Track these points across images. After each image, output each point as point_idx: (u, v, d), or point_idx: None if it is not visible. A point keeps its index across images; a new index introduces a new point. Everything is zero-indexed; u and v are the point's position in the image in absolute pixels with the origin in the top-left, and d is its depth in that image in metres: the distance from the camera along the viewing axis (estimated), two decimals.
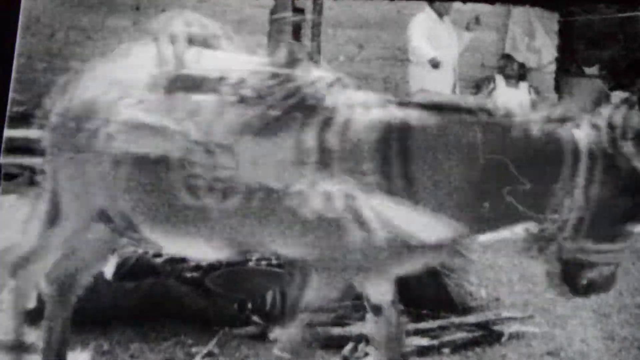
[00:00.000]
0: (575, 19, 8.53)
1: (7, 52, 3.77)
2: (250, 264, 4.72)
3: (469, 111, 2.82)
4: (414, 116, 2.83)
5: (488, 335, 4.11)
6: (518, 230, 2.97)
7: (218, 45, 3.17)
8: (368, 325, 3.26)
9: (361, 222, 2.78)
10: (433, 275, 4.46)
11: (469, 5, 6.57)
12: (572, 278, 2.91)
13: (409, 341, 4.01)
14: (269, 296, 4.16)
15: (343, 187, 2.71)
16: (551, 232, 2.81)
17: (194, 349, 3.85)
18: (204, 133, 2.79)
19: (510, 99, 6.06)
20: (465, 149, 2.80)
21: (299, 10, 8.15)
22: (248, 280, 4.41)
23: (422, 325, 4.15)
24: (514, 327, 4.17)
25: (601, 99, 5.73)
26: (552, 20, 8.95)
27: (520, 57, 8.88)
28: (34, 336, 3.73)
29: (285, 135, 2.79)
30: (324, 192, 2.72)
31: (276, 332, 3.95)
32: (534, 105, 2.93)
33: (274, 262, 4.68)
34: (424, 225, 2.79)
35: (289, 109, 2.80)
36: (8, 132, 3.63)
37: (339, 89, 2.90)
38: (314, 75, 2.91)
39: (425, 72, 6.51)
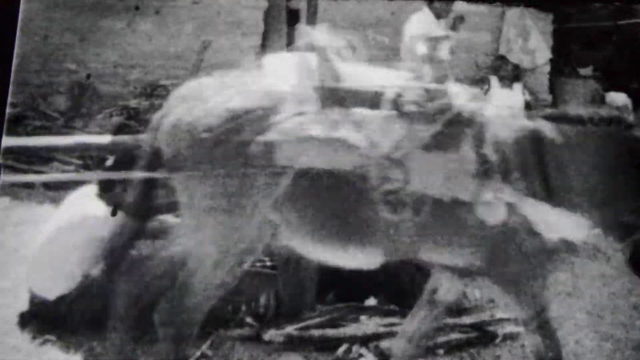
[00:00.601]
0: (569, 20, 8.55)
1: (6, 53, 3.77)
2: (244, 265, 4.73)
3: (606, 122, 2.98)
4: (549, 127, 3.01)
5: (482, 336, 4.11)
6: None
7: (347, 56, 3.19)
8: (410, 320, 3.35)
9: (529, 229, 2.92)
10: (427, 277, 4.46)
11: (457, 5, 6.56)
12: None
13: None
14: (262, 298, 4.16)
15: (505, 196, 2.86)
16: None
17: (187, 352, 3.84)
18: (372, 147, 2.85)
19: (504, 100, 6.06)
20: (603, 158, 2.98)
21: (294, 12, 8.16)
22: (241, 282, 4.40)
23: None
24: (508, 328, 4.18)
25: (595, 100, 5.74)
26: (547, 22, 8.96)
27: (514, 58, 8.89)
28: (22, 339, 3.74)
29: (449, 148, 2.89)
30: (489, 202, 2.85)
31: (270, 334, 3.95)
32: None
33: (268, 264, 4.69)
34: (572, 228, 2.95)
35: (447, 123, 2.92)
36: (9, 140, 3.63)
37: (481, 103, 3.03)
38: (456, 90, 3.03)
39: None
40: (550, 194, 2.93)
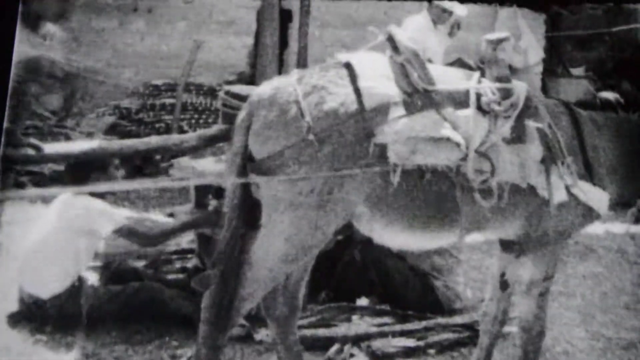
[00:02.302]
0: (562, 22, 8.56)
1: (5, 54, 3.76)
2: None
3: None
4: (583, 113, 3.50)
5: (474, 336, 4.10)
6: None
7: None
8: (490, 303, 3.62)
9: (582, 205, 3.37)
10: (419, 277, 4.47)
11: (457, 9, 6.56)
12: None
13: (394, 342, 4.02)
14: None
15: (565, 178, 3.27)
16: None
17: (179, 351, 3.84)
18: (467, 143, 3.17)
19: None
20: (624, 141, 3.53)
21: (286, 12, 8.16)
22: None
23: (408, 326, 4.15)
24: None
25: (587, 100, 5.74)
26: (539, 21, 8.98)
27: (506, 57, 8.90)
28: (13, 339, 3.73)
29: (521, 139, 3.25)
30: (553, 184, 3.25)
31: (261, 334, 3.95)
32: None
33: None
34: (600, 201, 3.40)
35: (517, 117, 3.26)
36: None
37: (534, 97, 3.39)
38: (519, 86, 3.33)
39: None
40: (591, 174, 3.38)
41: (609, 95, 3.75)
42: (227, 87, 4.09)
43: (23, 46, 3.60)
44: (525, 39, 8.55)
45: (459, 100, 3.22)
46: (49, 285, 3.95)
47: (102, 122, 6.44)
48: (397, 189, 3.11)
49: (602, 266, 4.92)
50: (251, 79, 7.74)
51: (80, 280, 4.00)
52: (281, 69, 8.12)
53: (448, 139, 3.13)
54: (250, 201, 3.19)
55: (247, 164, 3.15)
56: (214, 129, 3.89)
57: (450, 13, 6.49)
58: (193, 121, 7.29)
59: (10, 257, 3.96)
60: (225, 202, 3.26)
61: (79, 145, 3.73)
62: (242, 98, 3.90)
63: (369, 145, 3.07)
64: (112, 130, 6.45)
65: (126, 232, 4.03)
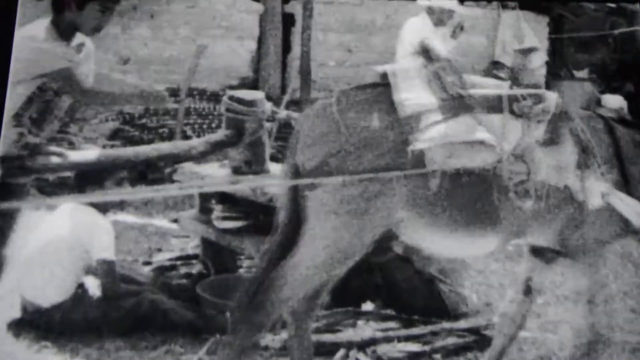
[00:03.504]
0: (564, 23, 8.56)
1: (4, 55, 3.75)
2: (241, 270, 4.72)
3: None
4: (626, 131, 3.55)
5: (479, 340, 4.10)
6: None
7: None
8: (510, 305, 3.65)
9: (619, 215, 3.39)
10: (425, 281, 4.46)
11: (457, 10, 6.56)
12: None
13: (400, 347, 4.01)
14: None
15: (600, 184, 3.33)
16: None
17: (183, 357, 3.83)
18: (501, 146, 3.28)
19: None
20: None
21: (289, 16, 8.16)
22: (238, 287, 4.39)
23: (414, 331, 4.14)
24: None
25: (591, 103, 5.74)
26: (542, 24, 8.98)
27: (509, 61, 8.90)
28: (18, 346, 3.72)
29: (556, 142, 3.35)
30: (589, 188, 3.32)
31: (267, 339, 3.94)
32: None
33: None
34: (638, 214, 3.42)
35: (550, 121, 3.35)
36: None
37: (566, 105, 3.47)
38: (550, 93, 3.43)
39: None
40: (627, 183, 3.43)
41: (615, 99, 3.77)
42: (230, 92, 4.09)
43: (53, 57, 3.58)
44: (529, 42, 8.55)
45: (492, 104, 3.33)
46: (48, 294, 3.95)
47: (105, 127, 6.45)
48: (436, 194, 3.21)
49: (608, 269, 4.90)
50: (254, 84, 7.75)
51: (83, 288, 3.99)
52: (284, 73, 8.12)
53: (482, 142, 3.24)
54: (299, 212, 3.31)
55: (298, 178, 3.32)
56: (220, 134, 3.89)
57: (451, 13, 6.48)
58: (196, 126, 7.29)
59: (13, 264, 3.95)
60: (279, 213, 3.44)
61: (93, 153, 3.73)
62: (246, 103, 3.91)
63: (407, 152, 3.18)
64: (115, 136, 6.46)
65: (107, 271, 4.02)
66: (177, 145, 4.00)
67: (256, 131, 3.94)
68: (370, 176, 3.14)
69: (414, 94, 3.26)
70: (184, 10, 7.39)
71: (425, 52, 3.38)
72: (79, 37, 3.55)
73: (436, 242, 3.36)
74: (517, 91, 3.36)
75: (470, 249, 3.46)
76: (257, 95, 4.06)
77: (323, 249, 3.21)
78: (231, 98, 3.95)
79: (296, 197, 3.30)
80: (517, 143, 3.29)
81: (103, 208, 4.09)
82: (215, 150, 3.88)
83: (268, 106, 4.03)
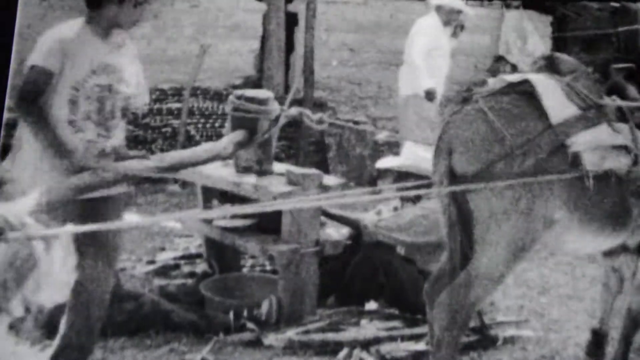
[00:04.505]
0: (567, 22, 8.56)
1: (4, 56, 3.75)
2: (245, 270, 4.73)
3: None
4: None
5: (483, 339, 4.10)
6: None
7: None
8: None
9: None
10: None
11: (464, 10, 6.57)
12: None
13: (403, 346, 4.01)
14: (263, 303, 4.15)
15: None
16: None
17: (187, 356, 3.83)
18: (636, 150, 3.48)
19: None
20: None
21: (292, 15, 8.17)
22: (242, 286, 4.40)
23: (417, 330, 4.14)
24: (509, 332, 4.17)
25: None
26: (545, 23, 8.98)
27: (513, 59, 8.90)
28: (21, 345, 3.72)
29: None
30: None
31: (270, 338, 3.94)
32: None
33: (268, 268, 4.69)
34: None
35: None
36: None
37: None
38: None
39: (415, 76, 6.47)
40: None
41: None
42: (238, 92, 4.06)
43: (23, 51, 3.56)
44: (532, 42, 8.56)
45: (618, 114, 3.51)
46: (50, 294, 3.94)
47: None
48: (591, 194, 3.37)
49: None
50: (258, 83, 7.76)
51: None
52: (287, 72, 8.13)
53: (624, 147, 3.43)
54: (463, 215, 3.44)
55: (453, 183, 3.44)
56: (238, 133, 3.85)
57: (459, 12, 6.52)
58: (200, 125, 7.30)
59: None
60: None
61: (137, 164, 3.67)
62: (258, 102, 3.89)
63: (564, 155, 3.33)
64: None
65: None
66: (212, 149, 3.91)
67: (268, 130, 3.91)
68: (535, 180, 3.30)
69: (556, 102, 3.42)
70: (187, 10, 7.40)
71: (553, 66, 3.55)
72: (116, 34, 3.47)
73: (587, 241, 3.52)
74: (636, 104, 3.57)
75: (603, 246, 3.63)
76: (268, 94, 4.04)
77: (505, 248, 3.35)
78: (240, 97, 3.92)
79: (457, 201, 3.42)
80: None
81: None
82: (238, 149, 3.86)
83: (277, 105, 4.01)
